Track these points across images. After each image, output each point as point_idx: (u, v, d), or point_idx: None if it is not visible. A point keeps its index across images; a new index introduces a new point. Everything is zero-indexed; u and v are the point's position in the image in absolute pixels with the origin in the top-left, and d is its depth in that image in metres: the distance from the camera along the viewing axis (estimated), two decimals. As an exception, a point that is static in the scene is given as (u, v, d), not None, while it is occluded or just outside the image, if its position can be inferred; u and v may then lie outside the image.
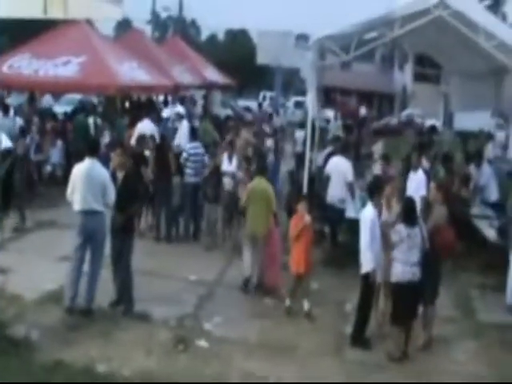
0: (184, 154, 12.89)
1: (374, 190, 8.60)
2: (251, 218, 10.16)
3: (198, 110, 24.96)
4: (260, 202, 10.05)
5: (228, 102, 36.35)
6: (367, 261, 8.13)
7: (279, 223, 10.53)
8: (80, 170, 8.77)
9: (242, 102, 41.43)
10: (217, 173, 12.37)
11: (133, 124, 16.18)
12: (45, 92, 20.13)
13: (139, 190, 9.91)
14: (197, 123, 19.45)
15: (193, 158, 12.74)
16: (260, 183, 10.28)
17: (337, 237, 11.72)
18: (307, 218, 9.19)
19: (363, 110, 39.69)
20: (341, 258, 11.23)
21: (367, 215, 8.29)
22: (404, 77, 54.12)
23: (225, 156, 12.67)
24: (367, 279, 8.18)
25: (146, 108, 20.79)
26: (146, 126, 15.45)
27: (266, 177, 10.57)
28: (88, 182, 8.65)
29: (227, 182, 12.35)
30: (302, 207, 9.23)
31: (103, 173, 8.80)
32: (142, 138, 13.31)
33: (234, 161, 12.60)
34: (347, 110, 39.60)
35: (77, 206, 8.68)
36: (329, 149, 14.48)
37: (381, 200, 8.51)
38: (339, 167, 11.82)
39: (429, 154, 14.10)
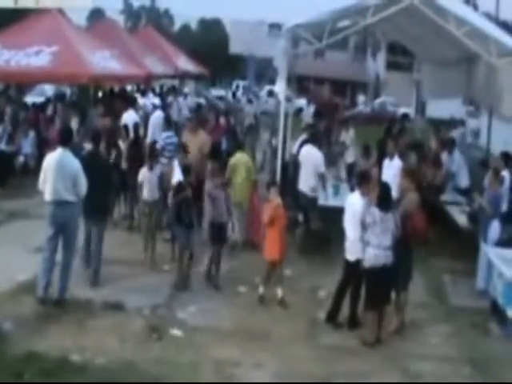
0: (160, 143, 12.85)
1: (362, 179, 8.62)
2: (237, 188, 11.37)
3: (190, 102, 24.49)
4: (244, 174, 11.48)
5: (201, 91, 36.25)
6: (357, 249, 8.15)
7: (257, 188, 11.91)
8: (51, 159, 8.69)
9: (215, 92, 41.32)
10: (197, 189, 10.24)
11: (105, 114, 16.07)
12: (16, 82, 19.87)
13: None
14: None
15: (169, 148, 12.72)
16: (242, 157, 11.80)
17: (310, 224, 11.74)
18: (278, 201, 9.24)
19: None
20: (314, 246, 11.29)
21: (355, 204, 8.35)
22: (377, 65, 54.39)
23: (175, 164, 10.94)
24: (354, 266, 8.22)
25: (120, 98, 20.67)
26: (129, 117, 15.48)
27: (244, 151, 12.31)
28: (59, 172, 8.57)
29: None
30: (273, 193, 9.28)
31: (75, 163, 8.72)
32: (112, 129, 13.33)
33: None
34: (320, 98, 39.71)
35: (48, 196, 8.61)
36: (302, 137, 14.50)
37: (369, 189, 8.47)
38: (310, 157, 11.82)
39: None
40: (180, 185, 9.82)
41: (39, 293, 8.53)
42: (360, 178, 8.73)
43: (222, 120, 18.38)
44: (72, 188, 8.59)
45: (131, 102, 18.00)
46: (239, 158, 11.77)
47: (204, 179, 10.71)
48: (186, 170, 10.01)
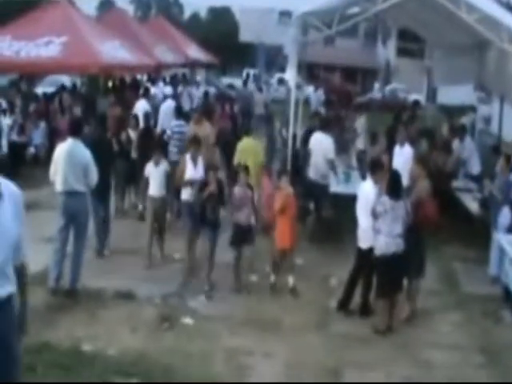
0: (168, 132, 12.85)
1: (375, 167, 8.55)
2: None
3: (201, 92, 24.32)
4: (251, 158, 11.25)
5: (212, 79, 36.19)
6: (370, 238, 8.11)
7: (271, 173, 12.12)
8: (62, 150, 8.70)
9: (225, 80, 41.25)
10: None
11: (116, 103, 16.08)
12: (27, 73, 19.89)
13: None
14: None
15: (177, 136, 12.72)
16: (248, 142, 11.94)
17: (321, 212, 11.70)
18: (289, 189, 9.22)
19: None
20: (325, 234, 11.26)
21: (368, 192, 8.29)
22: (387, 52, 54.07)
23: (187, 157, 9.99)
24: (367, 254, 8.19)
25: (132, 88, 20.70)
26: (140, 106, 15.50)
27: (251, 135, 12.32)
28: (70, 162, 8.58)
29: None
30: (284, 181, 9.26)
31: (86, 153, 8.72)
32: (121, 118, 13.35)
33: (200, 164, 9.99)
34: (332, 85, 39.56)
35: (59, 186, 8.62)
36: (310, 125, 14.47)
37: (382, 177, 8.33)
38: (320, 144, 11.75)
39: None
40: (204, 182, 9.19)
41: (51, 283, 8.55)
42: (372, 166, 8.64)
43: (230, 108, 18.39)
44: (83, 178, 8.60)
45: (144, 92, 18.04)
46: (246, 143, 11.91)
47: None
48: (210, 166, 9.52)
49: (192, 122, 12.90)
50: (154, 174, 10.18)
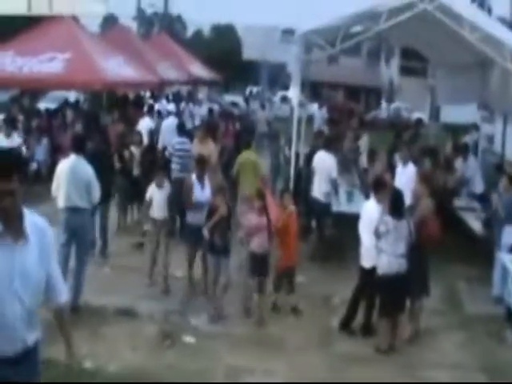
0: (169, 149, 12.90)
1: (378, 186, 8.57)
2: (244, 185, 11.98)
3: (204, 110, 24.39)
4: (250, 172, 12.00)
5: (214, 97, 36.30)
6: (373, 256, 8.13)
7: (267, 184, 12.51)
8: (65, 166, 8.77)
9: (228, 97, 41.39)
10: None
11: (119, 120, 16.16)
12: (29, 89, 20.00)
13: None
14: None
15: (178, 154, 12.73)
16: (248, 156, 12.48)
17: (323, 231, 11.74)
18: (292, 208, 9.23)
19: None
20: (327, 252, 11.28)
21: (371, 211, 8.30)
22: (390, 70, 54.30)
23: (193, 177, 9.74)
24: (370, 273, 8.20)
25: (135, 104, 20.81)
26: (144, 123, 15.67)
27: (251, 149, 12.96)
28: (73, 179, 8.65)
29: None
30: (286, 200, 9.27)
31: (88, 170, 8.78)
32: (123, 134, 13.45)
33: (207, 186, 9.77)
34: (335, 103, 39.68)
35: (61, 202, 8.69)
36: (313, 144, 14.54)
37: (385, 196, 8.30)
38: (324, 163, 11.80)
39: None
40: (213, 205, 8.84)
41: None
42: (375, 185, 8.67)
43: (233, 126, 18.52)
44: (86, 195, 8.66)
45: (148, 109, 18.16)
46: (246, 156, 12.39)
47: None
48: (218, 189, 9.15)
49: (196, 141, 12.86)
50: (157, 196, 9.88)
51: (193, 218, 9.47)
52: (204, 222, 8.87)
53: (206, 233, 8.74)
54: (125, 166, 12.44)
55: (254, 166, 12.31)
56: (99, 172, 9.02)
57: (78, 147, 8.95)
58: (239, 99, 37.84)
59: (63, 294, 4.18)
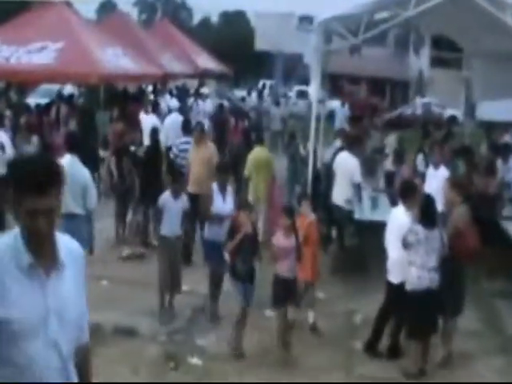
0: (174, 150, 12.90)
1: (407, 191, 8.55)
2: (256, 186, 12.25)
3: (208, 106, 24.48)
4: (263, 170, 12.32)
5: (223, 92, 36.37)
6: (402, 271, 8.12)
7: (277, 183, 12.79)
8: None
9: (238, 92, 41.45)
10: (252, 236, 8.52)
11: (120, 118, 16.24)
12: (17, 82, 20.10)
13: None
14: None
15: (183, 155, 12.74)
16: (261, 152, 12.77)
17: (344, 241, 11.74)
18: (312, 216, 9.21)
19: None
20: (349, 265, 11.26)
21: (400, 219, 8.27)
22: (420, 62, 54.14)
23: (214, 187, 9.53)
24: (398, 289, 8.18)
25: (136, 100, 20.89)
26: (147, 121, 15.82)
27: (264, 145, 13.38)
28: (67, 181, 8.67)
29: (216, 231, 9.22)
30: (305, 207, 9.21)
31: (84, 172, 8.82)
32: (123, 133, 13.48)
33: (230, 196, 9.57)
34: (356, 99, 39.66)
35: None
36: (336, 143, 14.54)
37: (415, 203, 8.25)
38: (345, 165, 11.83)
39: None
40: (236, 222, 8.42)
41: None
42: (404, 190, 8.63)
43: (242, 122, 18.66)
44: (81, 200, 8.69)
45: (153, 106, 18.22)
46: (259, 153, 12.66)
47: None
48: (243, 203, 8.84)
49: (193, 142, 12.71)
50: (172, 208, 9.32)
51: (212, 233, 9.25)
52: (224, 240, 8.53)
53: (226, 255, 8.45)
54: (122, 171, 12.46)
55: (267, 164, 12.57)
56: None
57: (73, 146, 8.99)
58: (247, 94, 37.80)
59: (87, 332, 3.64)
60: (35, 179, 3.08)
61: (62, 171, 3.33)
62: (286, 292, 8.25)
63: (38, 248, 3.21)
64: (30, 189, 3.07)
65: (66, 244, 3.43)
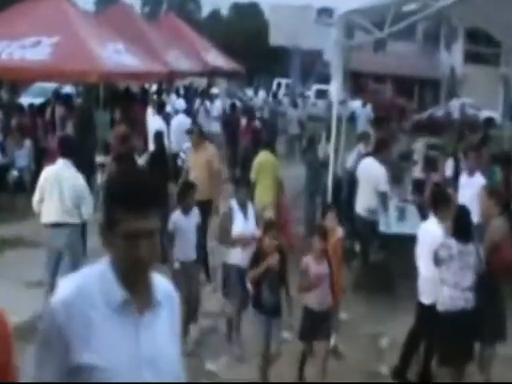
0: (181, 155, 12.91)
1: (440, 201, 8.49)
2: (262, 192, 12.20)
3: (219, 109, 24.54)
4: (269, 176, 12.49)
5: (235, 91, 36.46)
6: (431, 290, 8.06)
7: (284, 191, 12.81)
8: (50, 174, 8.83)
9: (251, 92, 41.57)
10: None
11: (122, 121, 16.29)
12: (9, 80, 20.16)
13: None
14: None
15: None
16: (268, 157, 12.97)
17: (368, 255, 11.70)
18: (339, 232, 9.06)
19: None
20: (374, 282, 11.21)
21: (432, 232, 8.21)
22: (452, 58, 54.05)
23: (233, 204, 9.07)
24: (430, 311, 8.11)
25: (140, 100, 20.98)
26: (152, 124, 15.86)
27: (271, 150, 13.58)
28: (60, 188, 8.70)
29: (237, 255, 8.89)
30: (330, 220, 8.94)
31: (79, 178, 8.84)
32: (126, 137, 13.44)
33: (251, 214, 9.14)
34: (381, 100, 39.61)
35: (46, 218, 8.73)
36: (358, 148, 14.52)
37: (448, 214, 8.16)
38: (370, 172, 11.80)
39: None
40: (261, 247, 7.98)
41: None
42: (436, 200, 8.57)
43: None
44: (76, 208, 8.71)
45: (158, 107, 18.26)
46: (264, 157, 12.85)
47: (212, 204, 11.00)
48: (267, 224, 8.33)
49: (191, 146, 12.72)
50: (184, 227, 8.91)
51: (233, 256, 8.88)
52: (248, 266, 8.11)
53: (249, 285, 8.13)
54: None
55: (273, 168, 12.82)
56: None
57: (67, 151, 9.02)
58: (258, 91, 37.86)
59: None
60: (138, 197, 2.91)
61: (166, 190, 3.26)
62: (316, 326, 7.92)
63: (135, 280, 2.99)
64: (132, 208, 2.89)
65: (159, 282, 3.18)
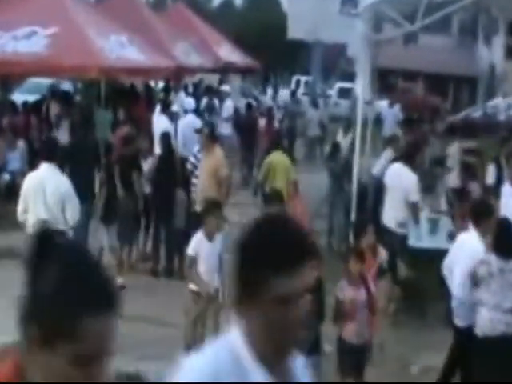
0: (191, 159, 12.90)
1: (481, 213, 8.43)
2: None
3: (229, 109, 24.67)
4: (281, 176, 12.97)
5: (249, 89, 36.49)
6: (468, 312, 8.01)
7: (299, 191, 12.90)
8: (33, 180, 8.93)
9: (268, 90, 41.63)
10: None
11: (127, 120, 16.33)
12: (0, 75, 20.21)
13: None
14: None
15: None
16: (279, 157, 13.54)
17: (397, 272, 11.65)
18: (383, 254, 9.01)
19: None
20: (403, 302, 11.16)
21: (471, 246, 8.18)
22: (492, 53, 53.90)
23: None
24: (467, 335, 8.05)
25: (145, 99, 21.02)
26: (158, 124, 16.10)
27: (283, 150, 14.24)
28: (45, 194, 8.80)
29: None
30: (370, 238, 8.86)
31: (64, 182, 8.97)
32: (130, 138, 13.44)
33: None
34: (412, 99, 39.57)
35: (32, 227, 8.83)
36: (387, 152, 14.49)
37: (490, 228, 8.13)
38: (400, 180, 11.74)
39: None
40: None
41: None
42: (476, 212, 8.52)
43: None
44: (61, 214, 8.81)
45: (162, 106, 18.29)
46: (275, 157, 13.40)
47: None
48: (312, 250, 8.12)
49: (201, 148, 12.68)
50: (207, 253, 8.80)
51: None
52: None
53: None
54: (127, 184, 12.48)
55: (285, 170, 13.25)
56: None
57: (50, 153, 9.16)
58: (283, 93, 37.90)
59: None
60: (292, 252, 2.53)
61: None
62: (355, 361, 7.85)
63: (279, 357, 2.63)
64: (288, 266, 2.51)
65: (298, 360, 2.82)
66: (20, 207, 9.03)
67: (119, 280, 11.55)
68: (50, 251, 2.16)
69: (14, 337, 7.56)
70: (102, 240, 12.11)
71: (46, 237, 2.23)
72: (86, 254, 2.29)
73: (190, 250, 8.84)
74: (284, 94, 38.55)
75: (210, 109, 23.32)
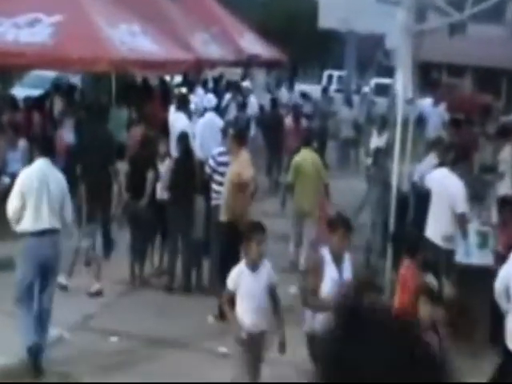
0: (210, 162, 12.90)
1: None
2: (300, 195, 13.17)
3: (254, 106, 24.84)
4: (310, 176, 13.22)
5: (274, 86, 36.50)
6: None
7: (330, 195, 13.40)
8: (35, 174, 9.09)
9: (296, 86, 41.66)
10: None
11: (141, 120, 16.45)
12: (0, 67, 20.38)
13: None
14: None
15: (222, 169, 12.73)
16: (308, 155, 13.71)
17: (443, 291, 11.68)
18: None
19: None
20: (451, 323, 11.19)
21: None
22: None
23: (325, 254, 8.49)
24: None
25: (161, 95, 21.14)
26: (176, 123, 16.19)
27: (312, 147, 14.37)
28: (44, 190, 8.97)
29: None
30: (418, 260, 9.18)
31: (61, 178, 9.19)
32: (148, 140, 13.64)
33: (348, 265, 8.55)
34: (459, 97, 39.42)
35: (28, 225, 8.99)
36: (430, 157, 14.49)
37: None
38: (445, 188, 11.76)
39: None
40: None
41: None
42: None
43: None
44: (59, 211, 9.01)
45: (180, 102, 18.37)
46: (305, 156, 13.54)
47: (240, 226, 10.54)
48: (366, 285, 8.10)
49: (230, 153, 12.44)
50: (250, 287, 8.27)
51: (317, 323, 8.13)
52: None
53: None
54: (138, 189, 12.60)
55: (317, 169, 13.40)
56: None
57: (46, 148, 9.39)
58: (314, 88, 37.88)
59: None
60: None
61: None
62: None
63: None
64: None
65: None
66: (15, 204, 9.06)
67: (96, 286, 11.78)
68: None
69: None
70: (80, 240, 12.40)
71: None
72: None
73: (230, 283, 8.26)
74: (314, 90, 38.53)
75: (240, 106, 23.25)
